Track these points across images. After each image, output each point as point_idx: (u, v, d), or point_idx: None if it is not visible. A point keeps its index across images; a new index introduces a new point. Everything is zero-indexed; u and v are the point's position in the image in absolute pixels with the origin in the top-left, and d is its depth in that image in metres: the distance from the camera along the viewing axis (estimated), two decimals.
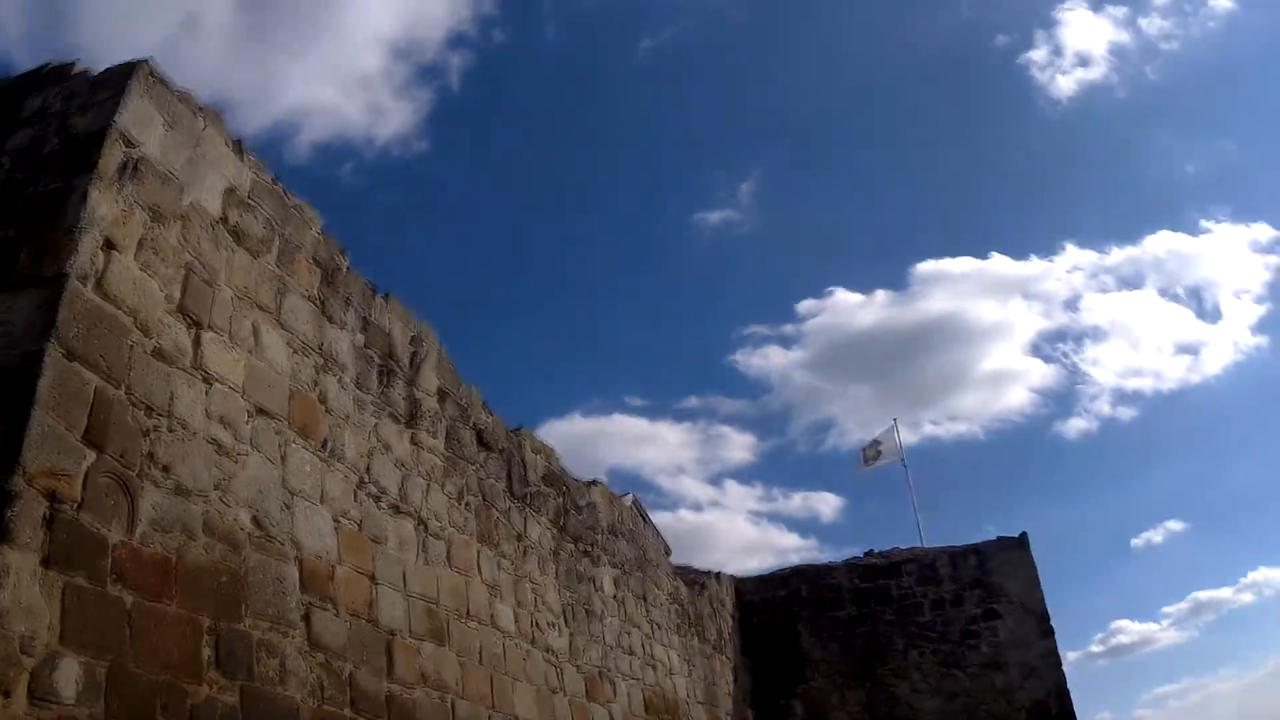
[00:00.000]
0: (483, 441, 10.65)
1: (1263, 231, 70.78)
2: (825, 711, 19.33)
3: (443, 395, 10.14)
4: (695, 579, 17.95)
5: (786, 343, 78.36)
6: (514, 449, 11.33)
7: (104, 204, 6.24)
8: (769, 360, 70.76)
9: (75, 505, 5.63)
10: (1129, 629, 74.89)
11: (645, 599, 14.46)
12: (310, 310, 8.36)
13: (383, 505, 8.75)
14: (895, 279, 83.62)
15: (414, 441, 9.47)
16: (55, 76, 7.05)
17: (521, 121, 65.19)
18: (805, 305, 71.41)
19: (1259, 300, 73.12)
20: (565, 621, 11.59)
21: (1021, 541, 20.14)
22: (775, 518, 71.67)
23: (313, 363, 8.23)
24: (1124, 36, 74.75)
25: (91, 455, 5.83)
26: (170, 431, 6.54)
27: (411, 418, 9.50)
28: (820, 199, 69.88)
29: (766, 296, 74.21)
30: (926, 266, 75.05)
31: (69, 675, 5.37)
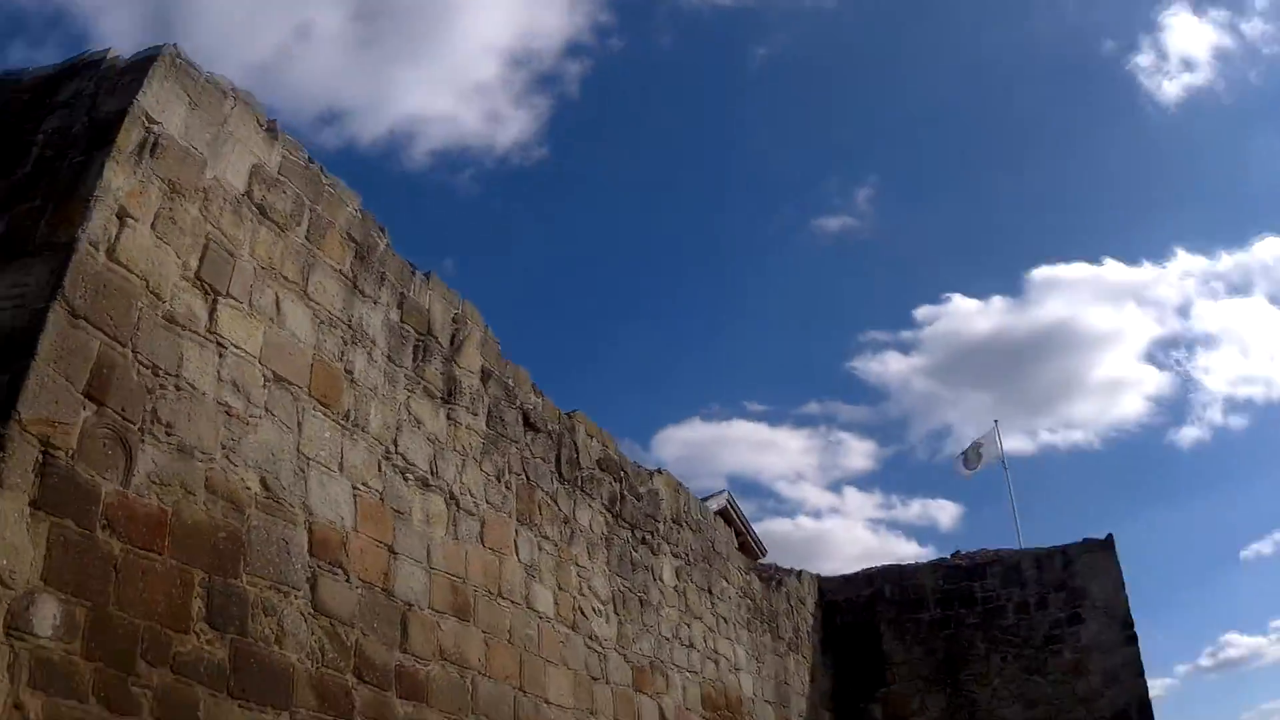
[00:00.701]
0: (529, 423, 11.08)
1: None
2: (905, 716, 19.22)
3: (486, 374, 10.57)
4: (772, 575, 18.06)
5: (905, 349, 77.97)
6: (566, 431, 11.73)
7: (120, 176, 6.83)
8: (888, 366, 70.64)
9: (70, 454, 6.18)
10: (1238, 642, 72.54)
11: (711, 591, 14.67)
12: (340, 285, 8.86)
13: (409, 479, 9.21)
14: (1011, 285, 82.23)
15: (450, 418, 9.92)
16: (90, 65, 7.79)
17: (639, 129, 66.48)
18: (923, 311, 70.65)
19: None
20: (614, 609, 11.90)
21: (1107, 544, 19.78)
22: (894, 525, 71.31)
23: (339, 335, 8.70)
24: (1227, 40, 76.67)
25: (91, 409, 6.38)
26: (177, 391, 7.08)
27: (449, 395, 9.95)
28: (936, 205, 69.68)
29: (885, 302, 74.07)
30: (1042, 272, 73.79)
31: (46, 613, 5.89)
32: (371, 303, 9.16)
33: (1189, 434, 73.13)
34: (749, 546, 20.69)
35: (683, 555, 13.92)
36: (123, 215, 6.89)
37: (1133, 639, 18.89)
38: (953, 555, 20.83)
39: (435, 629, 9.00)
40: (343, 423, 8.58)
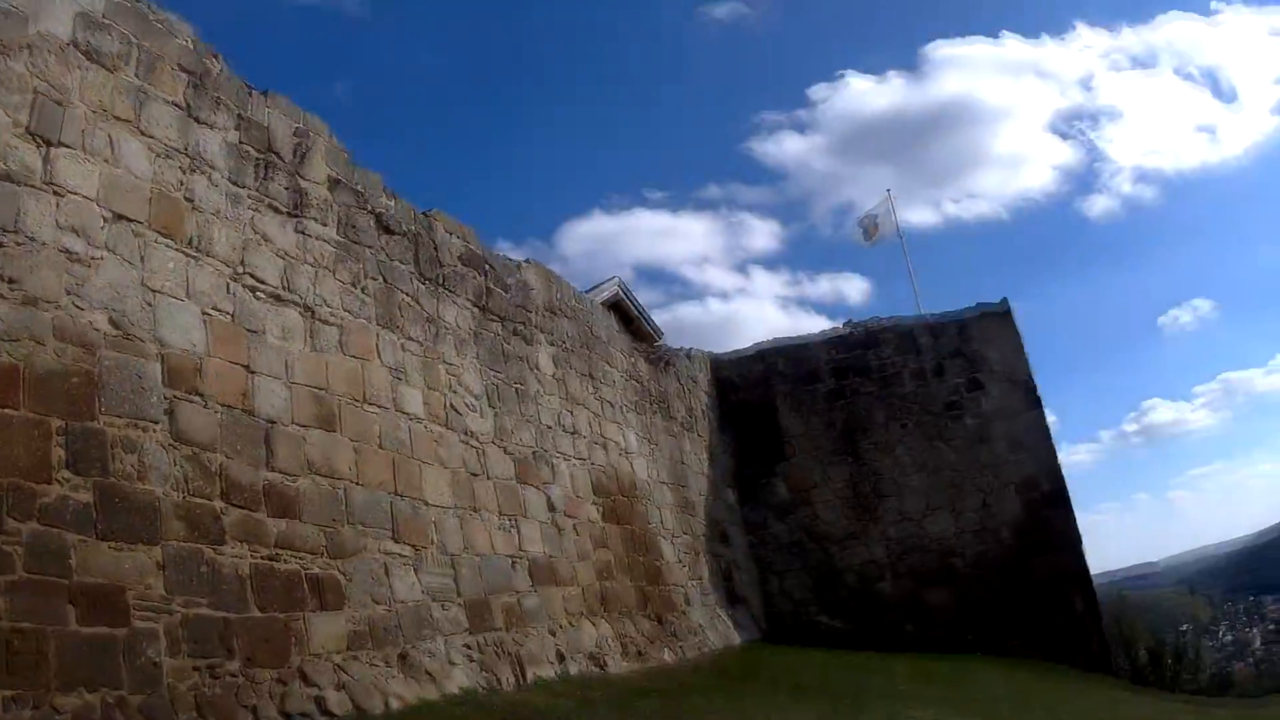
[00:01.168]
0: (384, 226, 11.25)
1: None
2: (809, 488, 20.18)
3: (334, 183, 10.65)
4: (660, 356, 18.71)
5: (801, 128, 77.52)
6: (423, 231, 11.93)
7: None
8: (785, 147, 70.25)
9: None
10: (1161, 407, 76.07)
11: (593, 377, 15.32)
12: (175, 115, 8.84)
13: (261, 296, 9.44)
14: (908, 61, 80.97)
15: (300, 231, 10.06)
16: None
17: None
18: (818, 91, 69.62)
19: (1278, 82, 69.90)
20: (489, 403, 12.44)
21: (1003, 309, 20.45)
22: (804, 302, 73.17)
23: (178, 165, 8.79)
24: None
25: None
26: (18, 246, 7.29)
27: (297, 208, 10.05)
28: None
29: (778, 84, 72.86)
30: (939, 48, 72.29)
31: None
32: (209, 128, 9.22)
33: (1099, 203, 74.20)
34: (644, 333, 21.15)
35: (560, 343, 14.42)
36: None
37: (1036, 403, 19.80)
38: (845, 323, 21.37)
39: (301, 443, 9.39)
40: (187, 250, 8.78)
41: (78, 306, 7.69)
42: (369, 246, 10.90)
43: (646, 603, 14.61)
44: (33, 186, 7.51)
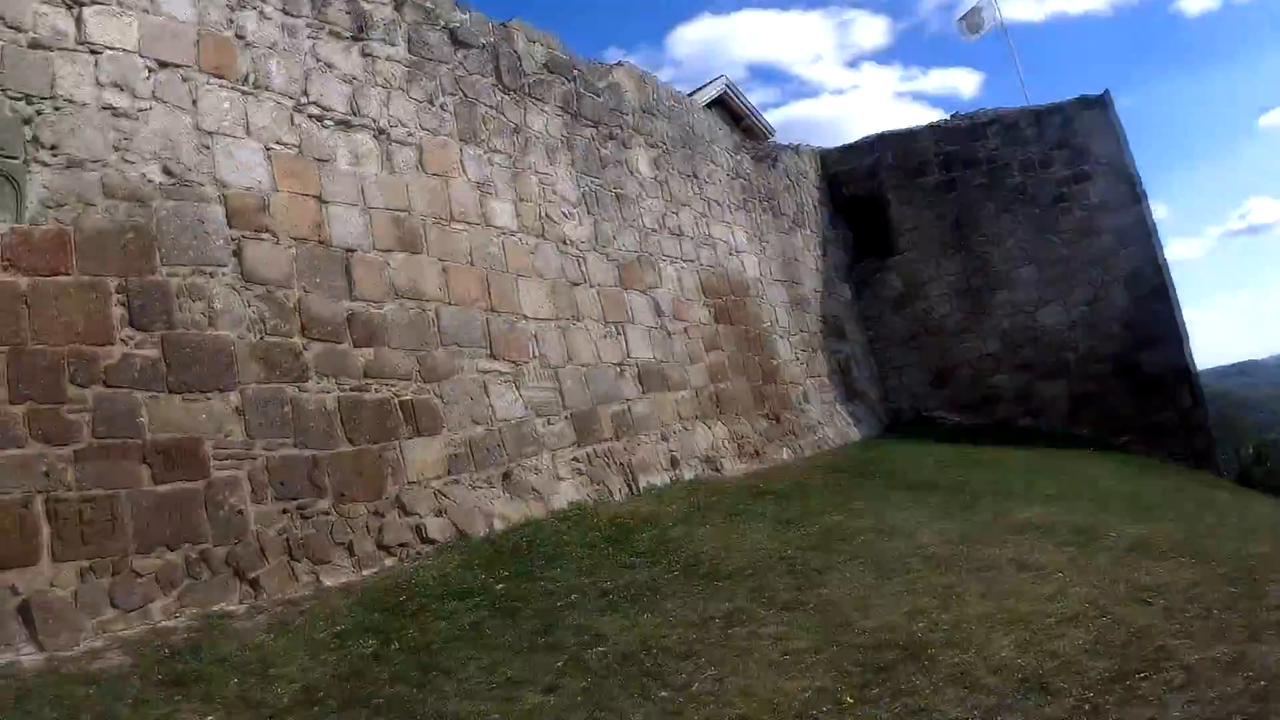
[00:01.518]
0: (458, 40, 10.11)
1: None
2: (922, 282, 19.08)
3: (399, 2, 9.51)
4: (766, 153, 17.15)
5: None
6: (502, 42, 10.71)
7: None
8: None
9: None
10: (1265, 206, 69.42)
11: (696, 177, 14.00)
12: None
13: (328, 124, 8.56)
14: None
15: (365, 54, 9.11)
16: None
17: None
18: None
19: None
20: (586, 210, 11.39)
21: (1103, 101, 18.70)
22: (918, 97, 67.99)
23: (224, 3, 7.98)
24: None
25: None
26: (56, 111, 6.71)
27: (360, 31, 9.04)
28: None
29: None
30: None
31: None
32: None
33: (1194, 3, 66.07)
34: (755, 131, 19.52)
35: (658, 145, 13.13)
36: None
37: (1140, 197, 18.22)
38: (951, 116, 19.55)
39: (384, 269, 8.66)
40: (243, 88, 8.02)
41: (127, 161, 7.09)
42: (443, 62, 9.75)
43: (762, 402, 13.65)
44: (65, 49, 6.90)
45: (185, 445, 6.98)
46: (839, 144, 20.07)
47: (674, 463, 11.45)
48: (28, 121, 6.55)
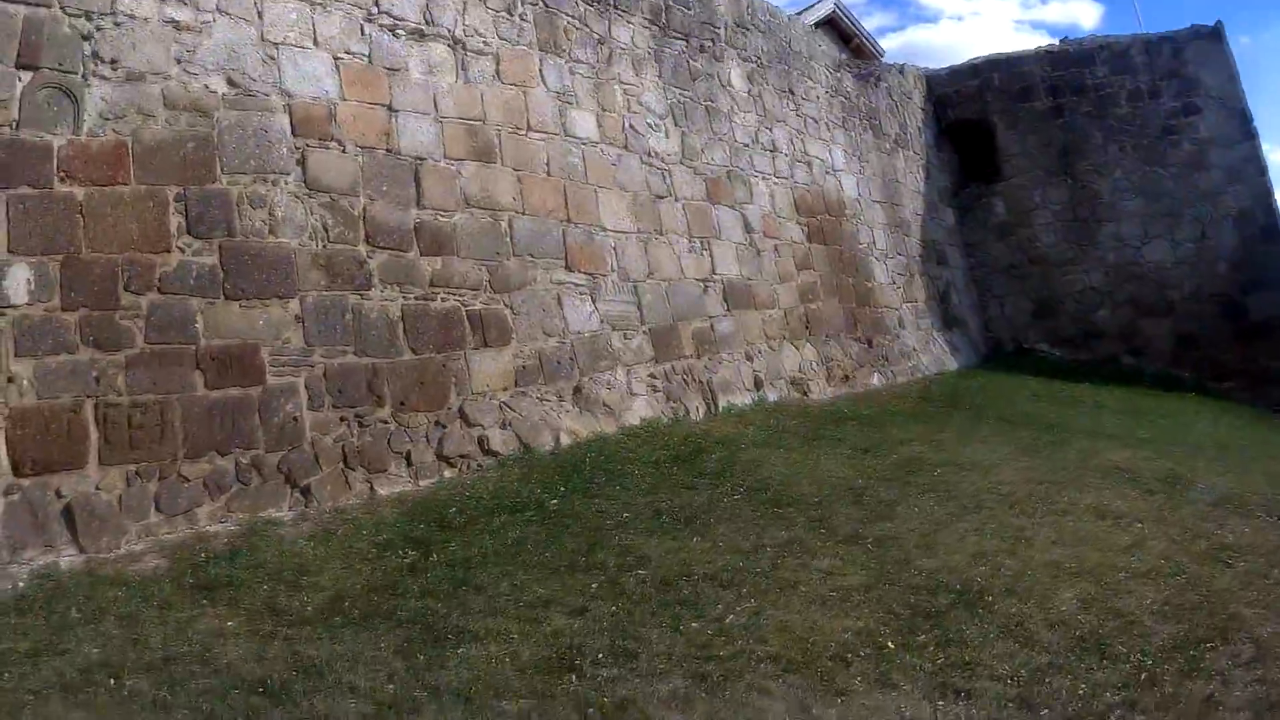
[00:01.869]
0: None
1: None
2: (1027, 210, 17.58)
3: None
4: (870, 72, 15.75)
5: None
6: None
7: None
8: None
9: (13, 125, 5.79)
10: None
11: (793, 93, 12.88)
12: None
13: (400, 34, 7.90)
14: None
15: None
16: None
17: None
18: None
19: None
20: (674, 122, 10.51)
21: (1216, 32, 16.72)
22: (1038, 25, 63.23)
23: None
24: None
25: (26, 76, 5.92)
26: (116, 27, 6.37)
27: None
28: None
29: None
30: None
31: (18, 280, 5.68)
32: None
33: None
34: (865, 52, 18.08)
35: (753, 59, 12.07)
36: None
37: (1252, 134, 16.40)
38: (1060, 42, 17.77)
39: (454, 178, 7.99)
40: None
41: (189, 73, 6.69)
42: None
43: (855, 325, 12.65)
44: None
45: (241, 352, 6.53)
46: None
47: (758, 383, 10.63)
48: (87, 38, 6.23)
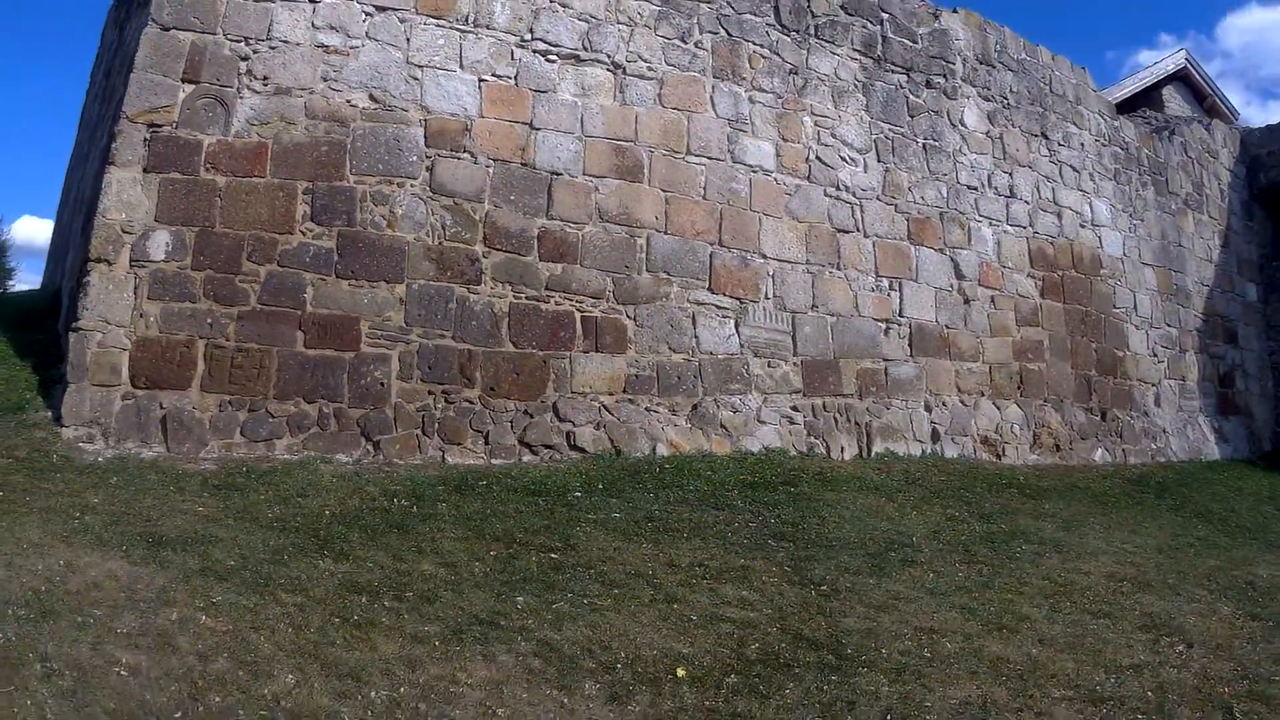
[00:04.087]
0: None
1: None
2: None
3: None
4: (1162, 124, 13.39)
5: None
6: None
7: None
8: None
9: (173, 125, 7.18)
10: None
11: (1046, 137, 11.47)
12: None
13: (552, 58, 8.30)
14: None
15: None
16: None
17: None
18: None
19: None
20: (877, 157, 9.83)
21: None
22: None
23: None
24: None
25: (188, 88, 7.28)
26: (271, 50, 7.56)
27: None
28: None
29: None
30: None
31: (159, 242, 7.04)
32: None
33: None
34: (1218, 110, 15.70)
35: (997, 98, 10.84)
36: None
37: None
38: None
39: (590, 193, 8.32)
40: (461, 27, 8.26)
41: (334, 89, 7.71)
42: (704, 2, 8.90)
43: (1089, 394, 11.04)
44: (286, 1, 7.63)
45: (342, 321, 7.29)
46: None
47: (935, 435, 9.67)
48: (245, 59, 7.46)
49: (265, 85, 7.43)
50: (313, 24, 7.64)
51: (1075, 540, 7.46)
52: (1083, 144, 12.05)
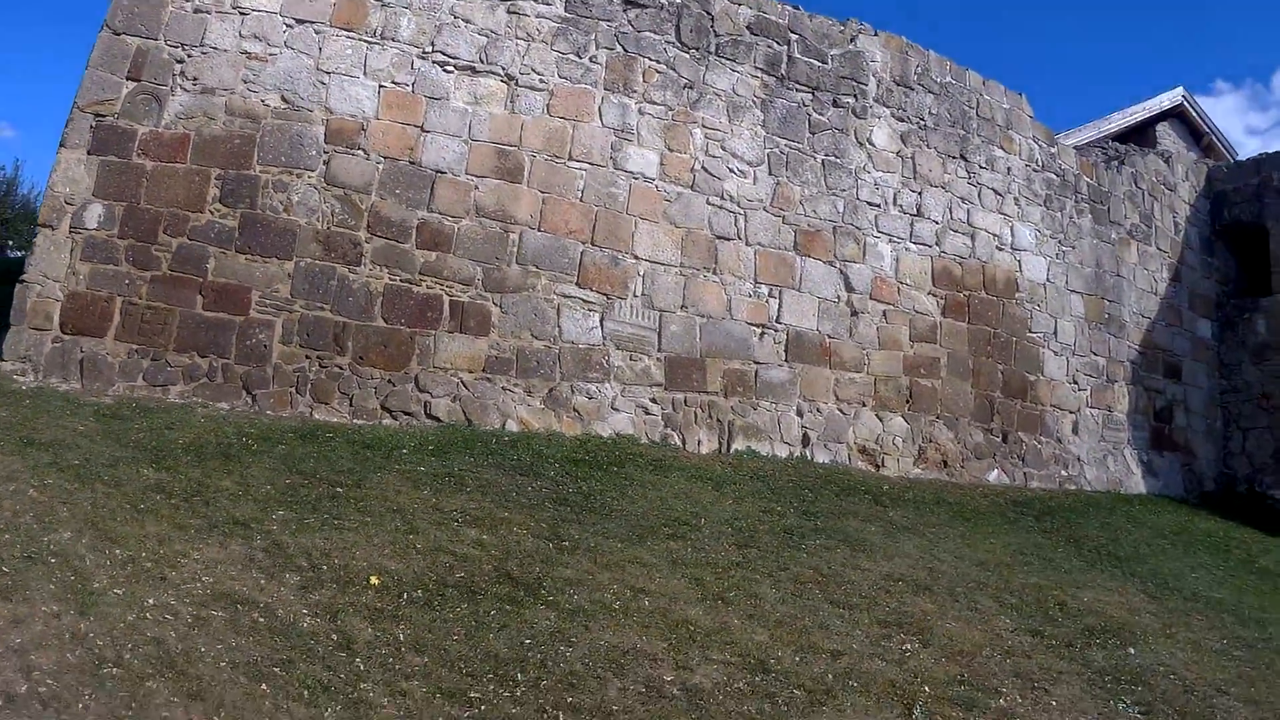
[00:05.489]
0: (629, 0, 11.89)
1: None
2: None
3: None
4: (1117, 155, 15.63)
5: None
6: (692, 2, 12.56)
7: None
8: None
9: (115, 116, 10.89)
10: None
11: (966, 159, 13.90)
12: None
13: (450, 69, 11.37)
14: None
15: (511, 12, 11.81)
16: None
17: None
18: None
19: None
20: (768, 170, 12.55)
21: None
22: None
23: None
24: None
25: (130, 85, 10.94)
26: (203, 55, 11.16)
27: None
28: None
29: None
30: None
31: (94, 213, 10.82)
32: None
33: None
34: (1215, 148, 18.07)
35: (912, 119, 13.46)
36: None
37: None
38: None
39: (470, 190, 11.39)
40: (368, 38, 11.70)
41: (251, 90, 11.26)
42: (605, 20, 12.36)
43: (992, 414, 13.77)
44: (221, 12, 11.27)
45: (236, 290, 10.76)
46: None
47: (805, 440, 12.47)
48: (180, 62, 11.11)
49: (194, 85, 11.01)
50: (240, 33, 11.20)
51: (887, 544, 10.00)
52: (1009, 168, 14.87)
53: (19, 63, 77.43)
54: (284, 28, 11.24)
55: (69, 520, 6.90)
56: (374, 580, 6.93)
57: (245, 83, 11.07)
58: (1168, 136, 18.38)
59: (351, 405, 11.06)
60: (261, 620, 6.13)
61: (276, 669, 5.58)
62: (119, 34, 10.84)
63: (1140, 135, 18.22)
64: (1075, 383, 15.24)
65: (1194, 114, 19.06)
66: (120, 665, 5.18)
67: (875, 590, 8.32)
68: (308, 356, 11.04)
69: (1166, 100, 18.35)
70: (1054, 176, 15.56)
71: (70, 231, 10.46)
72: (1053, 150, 15.70)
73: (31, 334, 10.32)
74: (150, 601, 5.99)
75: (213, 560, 6.86)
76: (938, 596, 8.46)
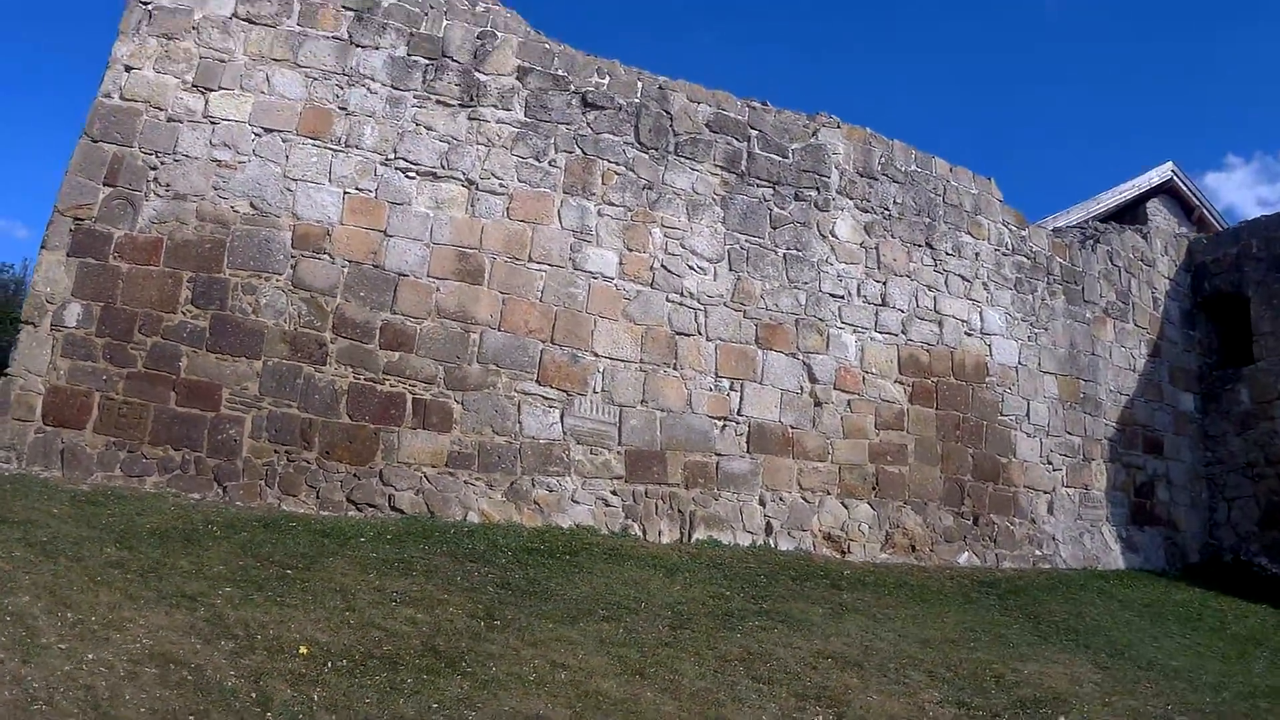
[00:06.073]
0: (589, 103, 14.02)
1: None
2: (1270, 399, 17.79)
3: (524, 71, 13.93)
4: (1094, 234, 16.98)
5: None
6: (652, 101, 14.13)
7: (124, 46, 13.06)
8: None
9: (93, 220, 12.74)
10: None
11: (932, 247, 15.34)
12: (334, 46, 13.64)
13: (412, 175, 13.05)
14: None
15: (472, 118, 13.46)
16: None
17: None
18: None
19: None
20: (729, 266, 14.08)
21: None
22: None
23: (333, 83, 13.62)
24: None
25: (107, 190, 12.79)
26: (175, 163, 13.08)
27: (471, 99, 13.43)
28: None
29: None
30: None
31: (73, 312, 12.63)
32: (372, 49, 13.46)
33: None
34: (1207, 221, 20.61)
35: (876, 210, 14.93)
36: (129, 69, 12.98)
37: None
38: None
39: (431, 292, 13.00)
40: (333, 146, 13.55)
41: (221, 196, 13.12)
42: (564, 123, 13.89)
43: (963, 498, 14.92)
44: (193, 121, 13.17)
45: (207, 387, 12.46)
46: None
47: (768, 528, 13.79)
48: (154, 169, 13.02)
49: (167, 191, 12.79)
50: (210, 141, 13.03)
51: (828, 624, 11.08)
52: (977, 253, 16.43)
53: (34, 164, 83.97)
54: (252, 136, 13.03)
55: (29, 586, 8.11)
56: (303, 650, 8.00)
57: (215, 189, 12.80)
58: (1159, 213, 19.68)
59: (318, 497, 12.59)
60: (189, 678, 7.16)
61: (192, 717, 6.98)
62: (96, 141, 12.61)
63: (1132, 212, 19.65)
64: (1049, 463, 16.54)
65: (1184, 188, 20.26)
66: (50, 705, 6.39)
67: (801, 666, 9.28)
68: (276, 451, 12.64)
69: (1156, 176, 19.71)
70: (1025, 259, 17.05)
71: (51, 329, 12.15)
72: (1023, 233, 17.18)
73: (16, 424, 11.93)
74: (90, 656, 7.20)
75: (156, 626, 7.99)
76: (866, 672, 9.41)
